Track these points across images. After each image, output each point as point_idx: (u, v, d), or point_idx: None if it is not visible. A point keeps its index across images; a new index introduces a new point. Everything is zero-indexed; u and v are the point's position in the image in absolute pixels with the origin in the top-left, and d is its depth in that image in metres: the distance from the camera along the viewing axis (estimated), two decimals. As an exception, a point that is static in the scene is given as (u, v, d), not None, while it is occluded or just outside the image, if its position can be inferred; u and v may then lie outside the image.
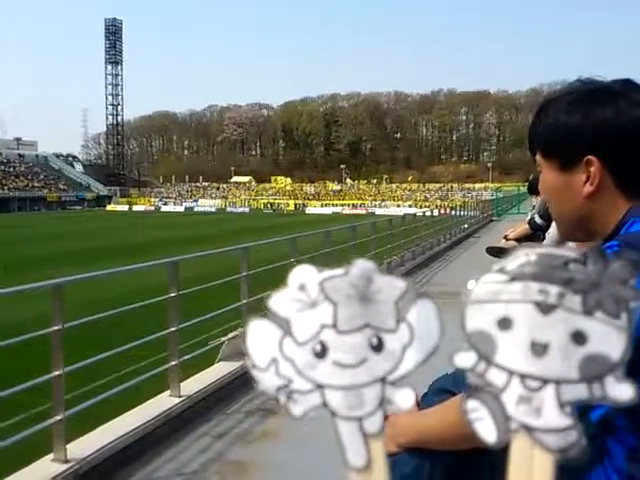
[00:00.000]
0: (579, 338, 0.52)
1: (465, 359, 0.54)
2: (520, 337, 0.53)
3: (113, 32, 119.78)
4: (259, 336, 0.57)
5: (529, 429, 0.52)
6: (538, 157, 1.31)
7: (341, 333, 0.56)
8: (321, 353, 0.56)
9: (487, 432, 0.53)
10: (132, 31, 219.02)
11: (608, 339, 0.52)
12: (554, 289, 0.53)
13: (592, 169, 1.19)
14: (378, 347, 0.56)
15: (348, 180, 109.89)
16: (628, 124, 1.18)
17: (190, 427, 4.97)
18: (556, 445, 0.52)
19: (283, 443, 4.64)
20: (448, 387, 1.39)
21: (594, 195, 1.20)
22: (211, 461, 4.43)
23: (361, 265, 0.56)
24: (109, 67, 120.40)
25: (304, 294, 0.56)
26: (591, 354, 0.52)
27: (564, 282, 0.53)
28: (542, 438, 0.52)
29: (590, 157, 1.18)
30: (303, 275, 0.57)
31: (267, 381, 0.57)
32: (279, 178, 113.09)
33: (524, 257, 0.55)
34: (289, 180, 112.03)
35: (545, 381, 0.52)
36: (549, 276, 0.53)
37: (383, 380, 0.56)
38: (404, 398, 0.56)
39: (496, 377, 0.54)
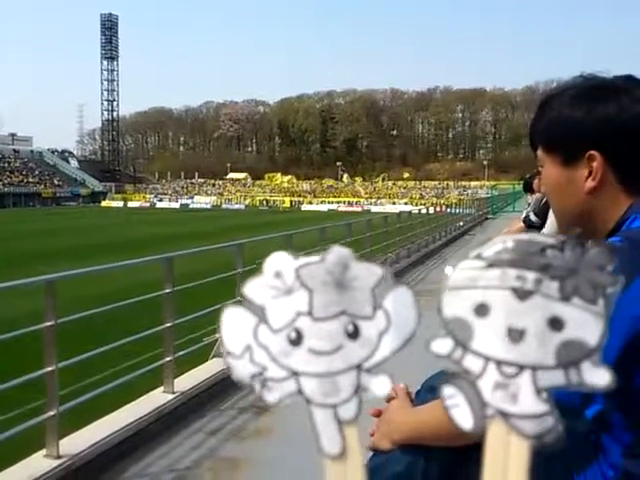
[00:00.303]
0: (556, 324, 0.52)
1: (442, 346, 0.54)
2: (497, 323, 0.53)
3: (109, 27, 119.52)
4: (234, 323, 0.56)
5: (505, 415, 0.52)
6: (539, 152, 1.31)
7: (317, 320, 0.55)
8: (296, 340, 0.55)
9: (463, 418, 0.53)
10: (128, 26, 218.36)
11: (585, 325, 0.51)
12: (531, 275, 0.52)
13: (594, 164, 1.19)
14: (354, 334, 0.55)
15: (345, 177, 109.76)
16: (630, 120, 1.18)
17: (183, 423, 4.96)
18: (532, 431, 0.52)
19: (276, 440, 4.63)
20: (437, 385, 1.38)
21: (596, 190, 1.20)
22: (204, 457, 4.42)
23: (337, 252, 0.56)
24: (105, 62, 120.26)
25: (279, 281, 0.56)
26: (568, 340, 0.52)
27: (541, 268, 0.52)
28: (518, 424, 0.52)
29: (592, 152, 1.19)
30: (279, 262, 0.57)
31: (241, 368, 0.56)
32: (277, 175, 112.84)
33: (501, 244, 0.54)
34: (287, 177, 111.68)
35: (521, 367, 0.52)
36: (526, 262, 0.53)
37: (359, 367, 0.55)
38: (380, 385, 0.55)
39: (472, 363, 0.53)
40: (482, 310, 0.53)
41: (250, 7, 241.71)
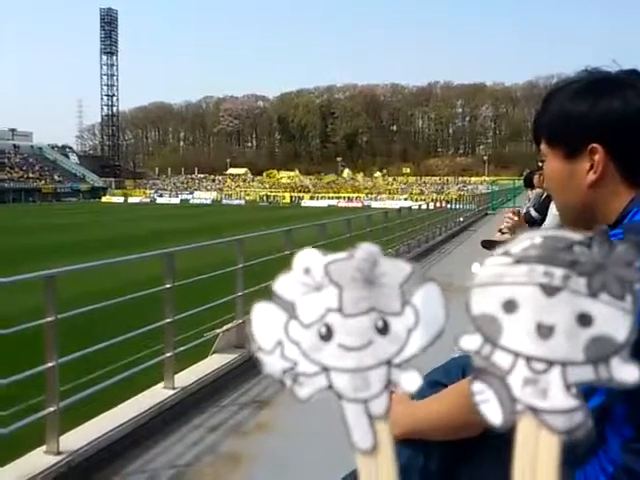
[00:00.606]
0: (584, 320, 0.52)
1: (470, 342, 0.54)
2: (525, 319, 0.53)
3: (108, 22, 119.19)
4: (264, 319, 0.57)
5: (535, 411, 0.53)
6: (543, 146, 1.31)
7: (346, 316, 0.56)
8: (327, 336, 0.56)
9: (493, 414, 0.53)
10: (128, 21, 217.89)
11: (613, 321, 0.52)
12: (559, 271, 0.53)
13: (596, 157, 1.19)
14: (383, 330, 0.56)
15: (345, 173, 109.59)
16: (633, 113, 1.18)
17: (184, 419, 4.96)
18: (562, 426, 0.52)
19: (277, 435, 4.64)
20: (440, 379, 1.40)
21: (597, 183, 1.21)
22: (204, 453, 4.42)
23: (366, 248, 0.56)
24: (104, 57, 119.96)
25: (309, 277, 0.56)
26: (596, 336, 0.52)
27: (569, 264, 0.53)
28: (548, 419, 0.52)
29: (594, 145, 1.19)
30: (308, 259, 0.57)
31: (273, 364, 0.57)
32: (273, 172, 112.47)
33: (528, 240, 0.55)
34: (292, 173, 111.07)
35: (551, 363, 0.53)
36: (554, 258, 0.53)
37: (389, 363, 0.56)
38: (410, 380, 0.56)
39: (502, 359, 0.54)
40: (510, 306, 0.54)
41: (250, 2, 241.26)
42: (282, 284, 0.57)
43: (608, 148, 1.19)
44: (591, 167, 1.21)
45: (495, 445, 1.03)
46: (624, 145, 1.19)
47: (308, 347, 0.56)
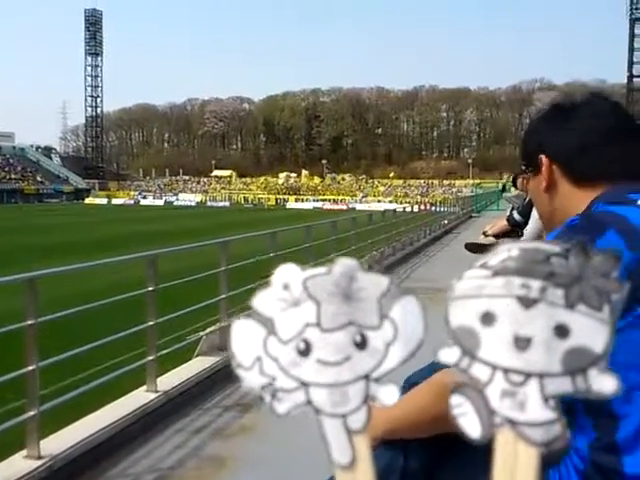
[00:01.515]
0: (562, 331, 0.52)
1: (449, 355, 0.55)
2: (503, 332, 0.53)
3: (93, 23, 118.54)
4: (243, 335, 0.57)
5: (513, 423, 0.53)
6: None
7: (325, 331, 0.56)
8: (305, 351, 0.56)
9: (471, 427, 0.53)
10: (112, 22, 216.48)
11: (591, 332, 0.52)
12: (536, 283, 0.53)
13: (544, 166, 1.38)
14: (362, 344, 0.56)
15: (328, 178, 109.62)
16: (573, 129, 1.36)
17: (166, 423, 4.94)
18: (540, 439, 0.52)
19: (261, 438, 4.63)
20: (419, 381, 1.41)
21: (548, 188, 1.38)
22: (188, 456, 4.41)
23: (344, 263, 0.57)
24: (89, 58, 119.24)
25: (288, 293, 0.56)
26: (574, 347, 0.52)
27: (546, 276, 0.53)
28: (526, 432, 0.52)
29: (541, 156, 1.38)
30: (287, 274, 0.57)
31: (252, 379, 0.57)
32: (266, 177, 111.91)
33: (506, 252, 0.55)
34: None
35: (529, 375, 0.53)
36: (531, 270, 0.53)
37: (367, 377, 0.56)
38: (388, 394, 0.56)
39: (480, 372, 0.54)
40: (488, 319, 0.54)
41: (234, 4, 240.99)
42: (261, 300, 0.57)
43: (551, 156, 1.37)
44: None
45: (476, 445, 1.04)
46: (561, 151, 1.37)
47: (286, 363, 0.56)
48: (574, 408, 1.08)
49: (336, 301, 0.56)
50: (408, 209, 23.00)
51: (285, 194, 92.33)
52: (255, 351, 0.56)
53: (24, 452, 3.97)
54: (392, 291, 0.56)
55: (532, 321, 0.53)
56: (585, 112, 1.37)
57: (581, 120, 1.36)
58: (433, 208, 27.49)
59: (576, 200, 1.31)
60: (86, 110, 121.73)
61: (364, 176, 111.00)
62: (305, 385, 0.56)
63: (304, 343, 0.56)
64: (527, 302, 0.53)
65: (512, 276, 0.54)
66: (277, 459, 4.26)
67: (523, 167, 1.47)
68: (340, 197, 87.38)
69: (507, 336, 0.53)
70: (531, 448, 0.53)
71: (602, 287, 0.53)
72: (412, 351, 0.55)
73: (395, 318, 0.56)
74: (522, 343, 0.53)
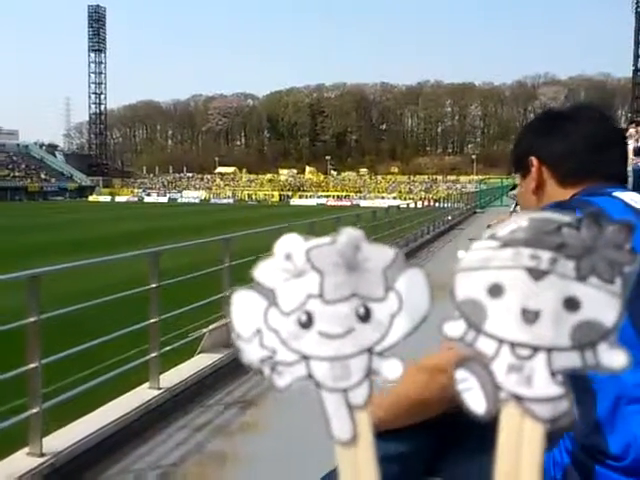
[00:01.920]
0: (572, 304, 0.50)
1: (454, 328, 0.53)
2: (511, 304, 0.51)
3: (96, 19, 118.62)
4: (243, 306, 0.55)
5: (519, 399, 0.51)
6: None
7: (327, 303, 0.54)
8: (307, 323, 0.54)
9: (476, 402, 0.51)
10: (116, 19, 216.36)
11: (602, 305, 0.50)
12: (546, 254, 0.51)
13: (533, 168, 1.48)
14: (365, 317, 0.54)
15: (332, 173, 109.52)
16: (564, 134, 1.47)
17: (169, 419, 4.92)
18: (547, 415, 0.50)
19: (263, 435, 4.62)
20: None
21: (538, 190, 1.48)
22: (190, 453, 4.39)
23: (348, 233, 0.55)
24: (92, 55, 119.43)
25: (290, 263, 0.55)
26: (584, 320, 0.50)
27: (556, 247, 0.51)
28: (533, 408, 0.51)
29: (531, 158, 1.48)
30: (289, 244, 0.55)
31: (251, 352, 0.55)
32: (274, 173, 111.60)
33: (515, 223, 0.53)
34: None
35: (536, 349, 0.51)
36: (541, 241, 0.51)
37: (370, 351, 0.54)
38: (391, 368, 0.54)
39: (486, 346, 0.52)
40: (496, 291, 0.52)
41: (239, 1, 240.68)
42: (262, 270, 0.55)
43: (541, 157, 1.47)
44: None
45: (478, 434, 1.05)
46: (551, 154, 1.47)
47: (287, 335, 0.54)
48: None
49: (340, 272, 0.54)
50: (412, 205, 22.95)
51: (289, 190, 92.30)
52: (255, 323, 0.55)
53: (26, 449, 3.95)
54: (398, 263, 0.54)
55: (541, 293, 0.51)
56: (573, 120, 1.49)
57: (569, 127, 1.47)
58: (437, 204, 27.41)
59: (560, 198, 1.41)
60: (90, 107, 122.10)
61: (366, 170, 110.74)
62: (306, 358, 0.54)
63: (306, 315, 0.54)
64: (537, 274, 0.51)
65: (521, 247, 0.52)
66: (279, 456, 4.25)
67: (513, 170, 1.60)
68: (344, 193, 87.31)
69: (515, 309, 0.51)
70: (537, 424, 0.51)
71: (615, 259, 0.51)
72: (417, 324, 0.54)
73: (400, 290, 0.54)
74: (530, 316, 0.51)
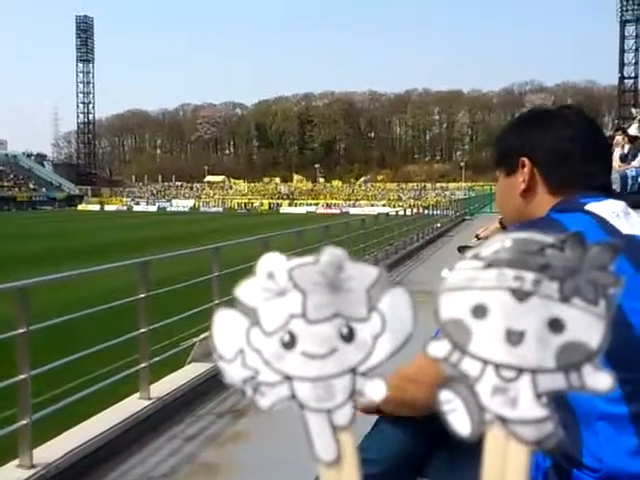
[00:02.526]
0: (556, 326, 0.50)
1: (438, 348, 0.52)
2: (495, 325, 0.51)
3: (84, 30, 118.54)
4: (226, 326, 0.55)
5: (504, 420, 0.50)
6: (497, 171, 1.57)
7: (310, 323, 0.54)
8: (290, 343, 0.54)
9: (461, 424, 0.51)
10: (103, 29, 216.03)
11: (586, 326, 0.50)
12: (530, 275, 0.51)
13: (525, 169, 1.43)
14: (348, 337, 0.53)
15: (321, 181, 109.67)
16: (556, 135, 1.43)
17: (160, 430, 4.90)
18: (532, 437, 0.50)
19: (255, 444, 4.60)
20: None
21: (527, 192, 1.44)
22: (181, 464, 4.37)
23: (331, 252, 0.54)
24: (80, 65, 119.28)
25: (272, 282, 0.54)
26: (568, 342, 0.50)
27: (540, 268, 0.51)
28: (518, 430, 0.50)
29: (523, 158, 1.43)
30: (271, 263, 0.55)
31: (233, 373, 0.54)
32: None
33: (499, 243, 0.53)
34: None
35: (521, 371, 0.50)
36: (525, 262, 0.51)
37: (353, 371, 0.54)
38: (375, 389, 0.53)
39: (470, 367, 0.51)
40: (480, 312, 0.52)
41: (226, 11, 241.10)
42: (245, 289, 0.55)
43: (533, 160, 1.43)
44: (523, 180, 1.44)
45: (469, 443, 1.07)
46: (546, 159, 1.42)
47: (270, 355, 0.54)
48: None
49: (322, 291, 0.53)
50: (401, 213, 23.00)
51: (279, 199, 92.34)
52: (237, 343, 0.54)
53: (16, 461, 3.93)
54: (381, 282, 0.54)
55: (525, 315, 0.51)
56: (564, 121, 1.45)
57: (563, 130, 1.43)
58: (426, 211, 27.48)
59: (545, 204, 1.39)
60: (78, 116, 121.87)
61: (354, 180, 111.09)
62: (289, 379, 0.53)
63: (289, 335, 0.54)
64: (520, 295, 0.51)
65: (505, 268, 0.52)
66: (271, 466, 4.23)
67: (495, 164, 1.54)
68: (333, 201, 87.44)
69: (499, 330, 0.51)
70: (522, 446, 0.50)
71: (598, 280, 0.50)
72: (400, 345, 0.53)
73: (384, 310, 0.53)
74: (515, 337, 0.51)
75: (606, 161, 1.53)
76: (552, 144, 1.42)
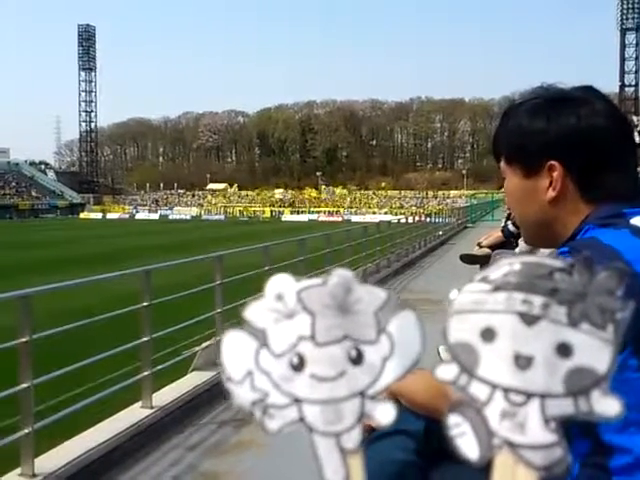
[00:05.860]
0: (564, 350, 0.50)
1: (447, 372, 0.52)
2: (503, 349, 0.51)
3: (86, 38, 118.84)
4: (234, 348, 0.55)
5: (513, 445, 0.50)
6: (502, 163, 1.33)
7: (319, 345, 0.54)
8: (298, 366, 0.54)
9: (469, 448, 0.51)
10: (106, 37, 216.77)
11: (594, 351, 0.50)
12: (538, 299, 0.51)
13: (555, 174, 1.21)
14: (357, 359, 0.53)
15: (322, 189, 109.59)
16: (589, 131, 1.20)
17: (162, 439, 4.88)
18: (540, 462, 0.50)
19: (257, 453, 4.58)
20: None
21: (556, 200, 1.22)
22: (184, 473, 4.36)
23: (340, 274, 0.54)
24: (82, 74, 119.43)
25: (281, 304, 0.54)
26: (577, 367, 0.50)
27: (549, 292, 0.51)
28: (526, 455, 0.50)
29: (553, 162, 1.21)
30: (280, 285, 0.55)
31: (242, 395, 0.54)
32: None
33: (508, 266, 0.53)
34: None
35: (529, 395, 0.50)
36: (533, 286, 0.51)
37: (362, 394, 0.53)
38: (384, 412, 0.53)
39: (479, 391, 0.51)
40: (488, 335, 0.52)
41: (227, 19, 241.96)
42: (253, 311, 0.55)
43: (566, 165, 1.21)
44: (550, 184, 1.22)
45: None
46: (581, 162, 1.21)
47: (279, 377, 0.54)
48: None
49: (331, 314, 0.53)
50: (403, 220, 22.97)
51: (280, 207, 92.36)
52: (246, 365, 0.54)
53: (18, 470, 3.93)
54: (390, 304, 0.54)
55: (534, 339, 0.51)
56: (598, 113, 1.22)
57: (600, 127, 1.20)
58: (428, 219, 27.47)
59: (579, 212, 1.21)
60: (80, 125, 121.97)
61: (355, 188, 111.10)
62: (298, 401, 0.53)
63: (297, 357, 0.54)
64: (529, 319, 0.51)
65: (514, 291, 0.52)
66: (274, 475, 4.22)
67: (506, 160, 1.31)
68: (335, 209, 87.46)
69: (507, 354, 0.51)
70: (530, 472, 0.50)
71: (606, 305, 0.50)
72: (409, 368, 0.53)
73: (392, 332, 0.53)
74: (523, 361, 0.51)
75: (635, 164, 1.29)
76: (588, 144, 1.20)
